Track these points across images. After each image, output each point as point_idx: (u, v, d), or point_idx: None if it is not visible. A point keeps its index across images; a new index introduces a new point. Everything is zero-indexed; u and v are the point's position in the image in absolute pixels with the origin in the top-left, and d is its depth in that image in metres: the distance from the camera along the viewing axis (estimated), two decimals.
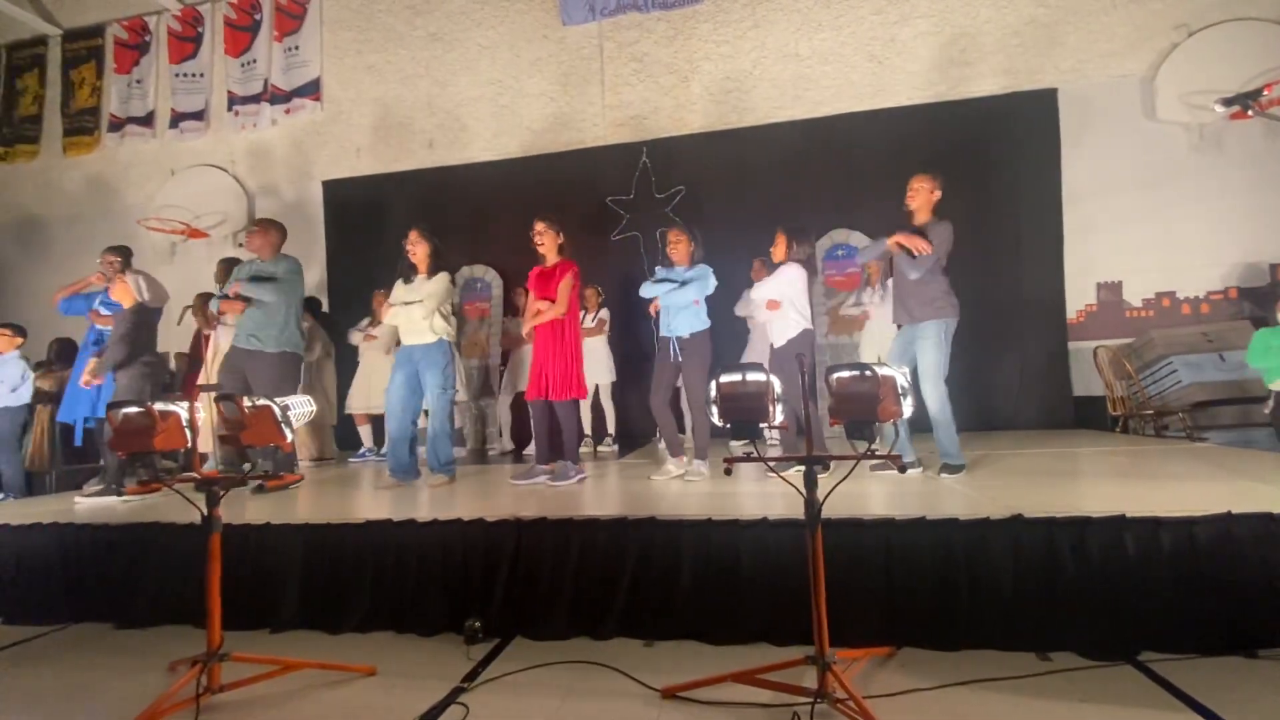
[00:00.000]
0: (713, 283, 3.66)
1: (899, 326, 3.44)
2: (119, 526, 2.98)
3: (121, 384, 3.81)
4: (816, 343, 4.59)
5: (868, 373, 1.78)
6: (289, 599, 2.67)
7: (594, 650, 2.30)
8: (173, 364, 6.59)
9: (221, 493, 2.07)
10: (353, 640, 2.52)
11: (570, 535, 2.53)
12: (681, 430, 4.83)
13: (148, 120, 7.46)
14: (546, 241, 3.68)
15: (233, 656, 2.01)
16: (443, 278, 3.75)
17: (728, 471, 1.92)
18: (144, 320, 3.98)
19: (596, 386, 5.55)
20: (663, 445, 4.32)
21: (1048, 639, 2.11)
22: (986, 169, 5.58)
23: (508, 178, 6.50)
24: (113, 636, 2.70)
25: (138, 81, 7.50)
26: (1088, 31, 5.61)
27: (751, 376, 1.85)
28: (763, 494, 2.99)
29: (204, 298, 5.23)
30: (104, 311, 4.13)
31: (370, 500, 3.43)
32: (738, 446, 4.48)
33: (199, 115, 7.33)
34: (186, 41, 7.42)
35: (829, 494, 1.84)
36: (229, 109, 7.24)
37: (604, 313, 5.54)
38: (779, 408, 1.85)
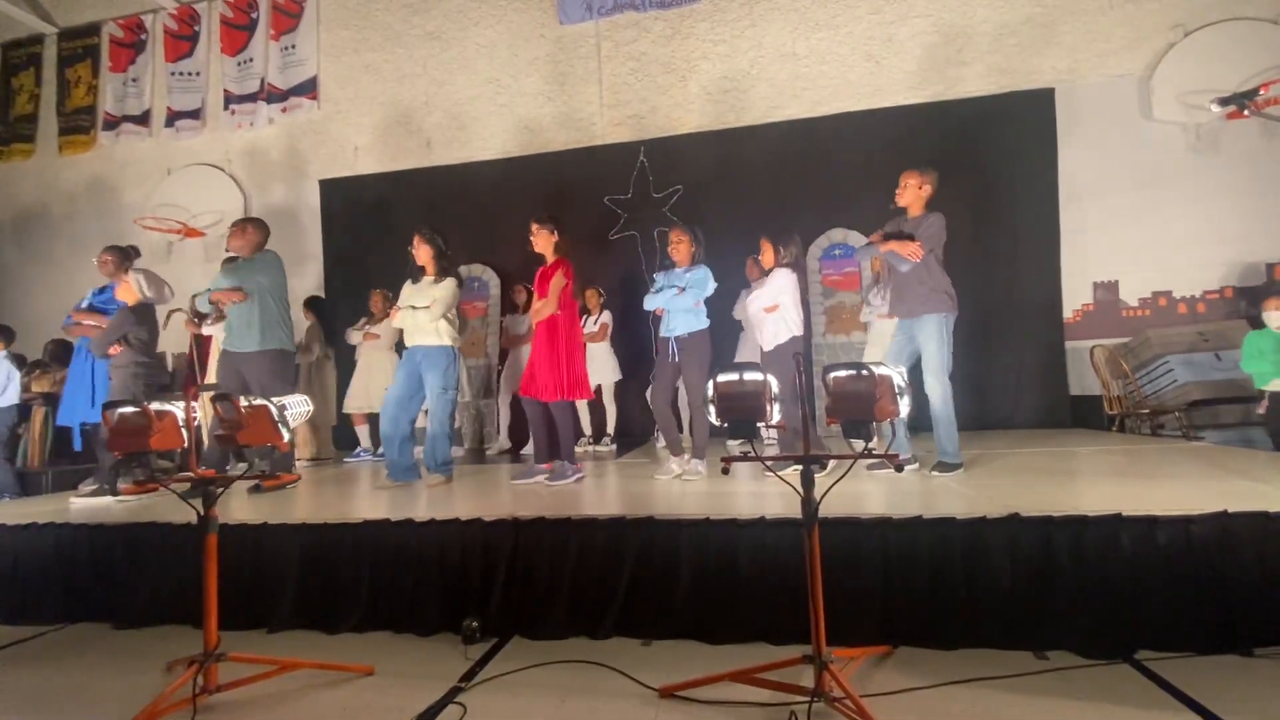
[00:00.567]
0: (711, 284, 3.67)
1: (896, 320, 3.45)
2: (116, 526, 2.97)
3: (116, 384, 3.80)
4: (813, 343, 4.61)
5: (864, 372, 1.78)
6: (286, 599, 2.67)
7: (592, 650, 2.30)
8: (170, 364, 6.58)
9: (218, 492, 2.07)
10: (350, 640, 2.51)
11: (568, 535, 2.53)
12: (681, 429, 4.85)
13: (144, 119, 7.44)
14: (540, 242, 3.69)
15: (230, 656, 2.00)
16: (450, 284, 3.75)
17: (725, 471, 1.92)
18: (144, 318, 3.97)
19: (600, 386, 5.55)
20: (662, 445, 4.33)
21: (1045, 638, 2.11)
22: (983, 168, 5.59)
23: (505, 177, 6.49)
24: (110, 636, 2.69)
25: (133, 80, 7.48)
26: (1084, 31, 5.62)
27: (749, 376, 1.85)
28: (760, 493, 2.99)
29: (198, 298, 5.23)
30: (98, 307, 4.09)
31: (368, 500, 3.42)
32: (735, 446, 4.49)
33: (195, 114, 7.31)
34: (182, 40, 7.40)
35: (826, 493, 1.84)
36: (225, 108, 7.22)
37: (606, 315, 5.54)
38: (776, 407, 1.85)
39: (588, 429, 5.63)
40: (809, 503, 1.79)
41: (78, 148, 7.63)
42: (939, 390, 3.19)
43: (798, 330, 3.58)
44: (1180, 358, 4.94)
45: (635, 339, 5.96)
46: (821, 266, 5.89)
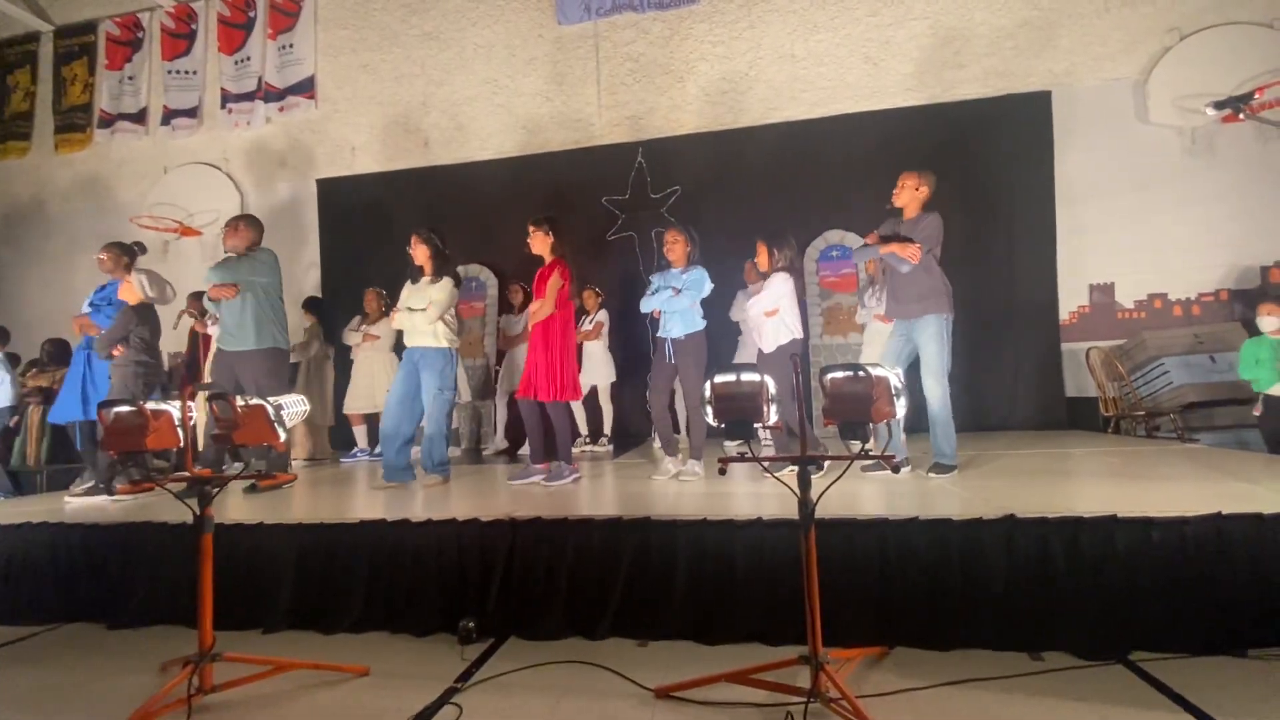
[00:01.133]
0: (708, 285, 3.67)
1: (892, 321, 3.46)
2: (110, 526, 2.96)
3: (116, 382, 3.78)
4: (810, 344, 4.62)
5: (861, 373, 1.79)
6: (282, 599, 2.66)
7: (588, 650, 2.30)
8: (167, 364, 6.56)
9: (214, 492, 2.06)
10: (346, 641, 2.51)
11: (565, 535, 2.53)
12: (678, 430, 4.85)
13: (140, 117, 7.42)
14: (537, 243, 3.69)
15: (225, 657, 2.00)
16: (447, 284, 3.73)
17: (722, 471, 1.92)
18: (146, 318, 3.95)
19: (595, 387, 5.55)
20: (658, 445, 4.32)
21: (1040, 638, 2.12)
22: (980, 170, 5.60)
23: (503, 177, 6.49)
24: (104, 637, 2.68)
25: (130, 78, 7.46)
26: (1081, 35, 5.64)
27: (746, 377, 1.85)
28: (757, 494, 2.99)
29: (195, 297, 5.22)
30: (97, 310, 4.08)
31: (364, 500, 3.42)
32: (732, 447, 4.49)
33: (192, 112, 7.29)
34: (179, 38, 7.38)
35: (823, 494, 1.84)
36: (222, 106, 7.20)
37: (602, 315, 5.54)
38: (773, 408, 1.85)
39: (584, 428, 5.63)
40: (805, 504, 1.80)
41: (73, 146, 7.60)
42: (938, 392, 3.20)
43: (798, 333, 3.60)
44: (1175, 360, 4.96)
45: (633, 340, 5.96)
46: (819, 268, 5.90)
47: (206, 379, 4.63)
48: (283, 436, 2.15)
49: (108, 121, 7.45)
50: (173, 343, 6.32)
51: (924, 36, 5.89)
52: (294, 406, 2.22)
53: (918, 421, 3.41)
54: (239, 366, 3.73)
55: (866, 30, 6.01)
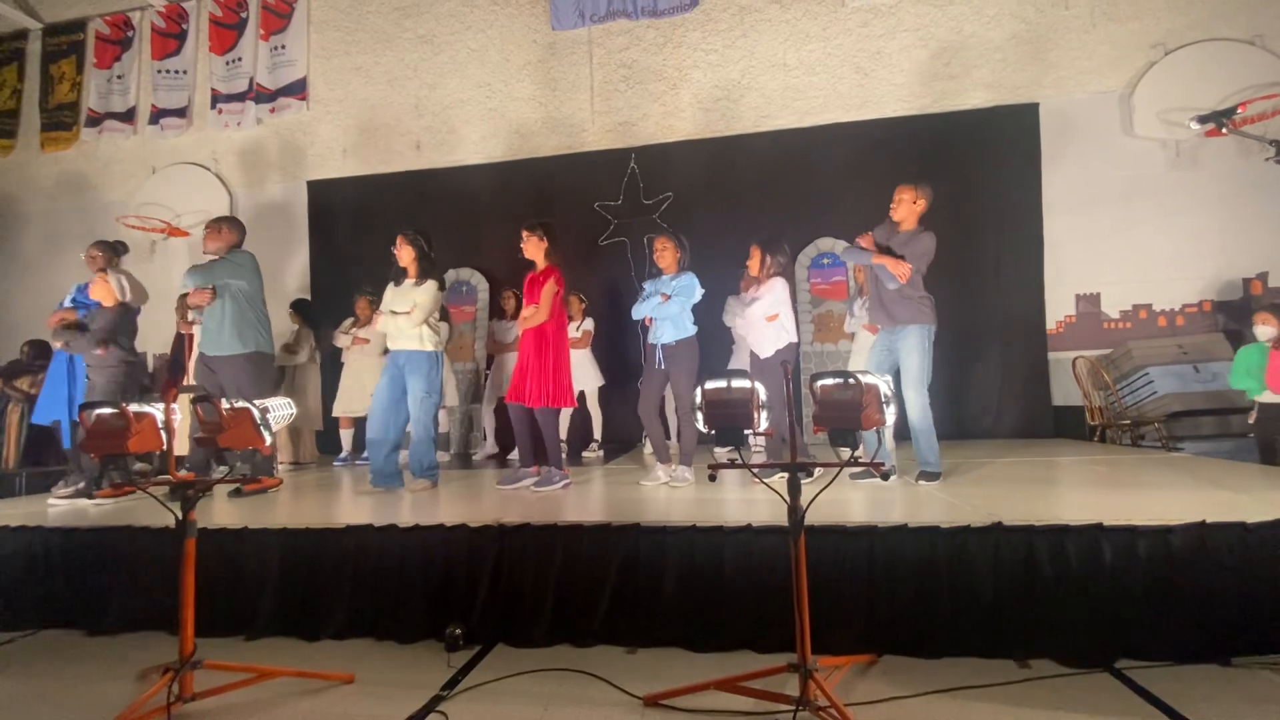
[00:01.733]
0: (698, 291, 3.68)
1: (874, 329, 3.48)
2: (90, 530, 2.91)
3: (102, 383, 3.72)
4: (801, 350, 4.63)
5: (851, 381, 1.79)
6: (265, 605, 2.62)
7: (576, 658, 2.28)
8: (150, 365, 6.48)
9: (198, 496, 2.03)
10: (330, 647, 2.48)
11: (554, 541, 2.51)
12: (669, 436, 4.84)
13: (128, 116, 7.34)
14: (530, 248, 3.68)
15: (205, 664, 1.96)
16: (431, 287, 3.71)
17: (712, 478, 1.91)
18: (125, 320, 3.90)
19: (583, 393, 5.53)
20: (649, 451, 4.31)
21: (1027, 646, 2.13)
22: (969, 180, 5.66)
23: (495, 181, 6.48)
24: (82, 643, 2.63)
25: (119, 77, 7.39)
26: (1068, 49, 5.72)
27: (737, 384, 1.85)
28: (747, 500, 2.99)
29: (184, 297, 5.16)
30: (79, 308, 4.03)
31: (351, 505, 3.38)
32: (723, 453, 4.49)
33: (181, 112, 7.23)
34: (170, 38, 7.32)
35: (812, 501, 1.84)
36: (212, 107, 7.15)
37: (588, 323, 5.52)
38: (764, 414, 1.85)
39: (564, 436, 5.59)
40: (795, 510, 1.79)
41: (59, 144, 7.51)
42: (918, 402, 3.21)
43: (794, 337, 3.63)
44: (1160, 369, 5.02)
45: (624, 345, 5.95)
46: (810, 275, 5.93)
47: (190, 380, 4.58)
48: (269, 440, 2.12)
49: (95, 120, 7.38)
50: (156, 343, 6.27)
51: (914, 48, 5.96)
52: (280, 410, 2.20)
53: (902, 430, 3.43)
54: (220, 370, 3.70)
55: (858, 41, 6.06)
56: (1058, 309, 5.70)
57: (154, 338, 5.96)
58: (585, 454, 5.44)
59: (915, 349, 3.22)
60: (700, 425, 1.88)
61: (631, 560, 2.42)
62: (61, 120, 7.52)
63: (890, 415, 1.80)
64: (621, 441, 5.86)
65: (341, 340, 5.54)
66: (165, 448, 2.05)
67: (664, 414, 4.72)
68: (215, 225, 3.86)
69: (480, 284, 6.47)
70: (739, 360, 5.13)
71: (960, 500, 2.77)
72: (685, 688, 1.92)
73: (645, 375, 3.76)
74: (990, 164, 5.71)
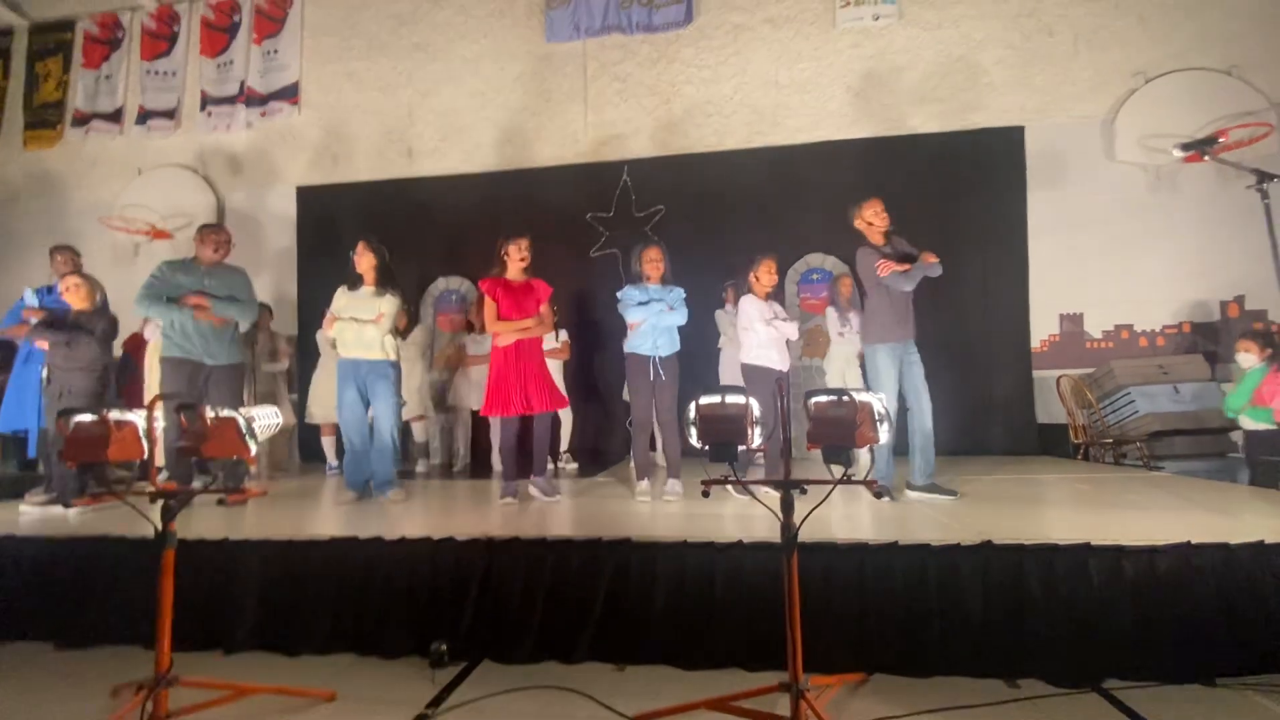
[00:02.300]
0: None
1: (864, 344, 3.54)
2: (65, 540, 2.83)
3: (80, 388, 3.63)
4: (791, 365, 4.65)
5: (845, 398, 1.80)
6: (244, 619, 2.56)
7: (564, 675, 2.25)
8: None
9: (178, 506, 1.98)
10: (311, 663, 2.42)
11: (543, 556, 2.49)
12: (654, 448, 4.82)
13: (115, 117, 7.25)
14: (527, 260, 3.67)
15: (181, 681, 1.91)
16: (396, 298, 3.76)
17: (705, 494, 1.91)
18: (109, 324, 3.83)
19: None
20: (633, 465, 4.28)
21: (1017, 666, 2.13)
22: (956, 201, 5.74)
23: (487, 190, 6.46)
24: (52, 657, 2.55)
25: (106, 77, 7.30)
26: (1053, 74, 5.85)
27: (731, 399, 1.85)
28: (738, 516, 2.98)
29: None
30: (51, 306, 3.92)
31: (333, 516, 3.32)
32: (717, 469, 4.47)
33: (169, 114, 7.15)
34: (160, 39, 7.25)
35: (805, 518, 1.84)
36: (202, 109, 7.08)
37: (564, 334, 5.50)
38: (758, 430, 1.85)
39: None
40: (788, 527, 1.79)
41: (43, 143, 7.39)
42: (929, 406, 3.29)
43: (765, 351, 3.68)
44: (1141, 389, 5.10)
45: (603, 357, 5.92)
46: (800, 290, 5.97)
47: (153, 388, 4.50)
48: (254, 449, 2.08)
49: (82, 120, 7.27)
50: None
51: (904, 70, 6.06)
52: (267, 419, 2.16)
53: (901, 442, 3.47)
54: (210, 379, 3.64)
55: (848, 61, 6.15)
56: (1042, 328, 5.78)
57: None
58: (561, 466, 5.38)
59: (919, 358, 3.36)
60: (694, 440, 1.87)
61: (622, 576, 2.40)
62: (46, 119, 7.41)
63: (885, 434, 1.80)
64: (591, 455, 5.81)
65: (326, 342, 5.45)
66: (146, 456, 2.00)
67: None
68: (220, 234, 3.84)
69: (470, 292, 6.44)
70: (727, 375, 5.15)
71: (950, 517, 2.79)
72: (675, 707, 1.90)
73: (636, 387, 3.71)
74: (977, 185, 5.80)
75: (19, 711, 2.09)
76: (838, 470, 1.79)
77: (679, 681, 2.16)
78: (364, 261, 3.75)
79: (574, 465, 5.37)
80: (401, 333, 4.73)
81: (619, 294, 3.74)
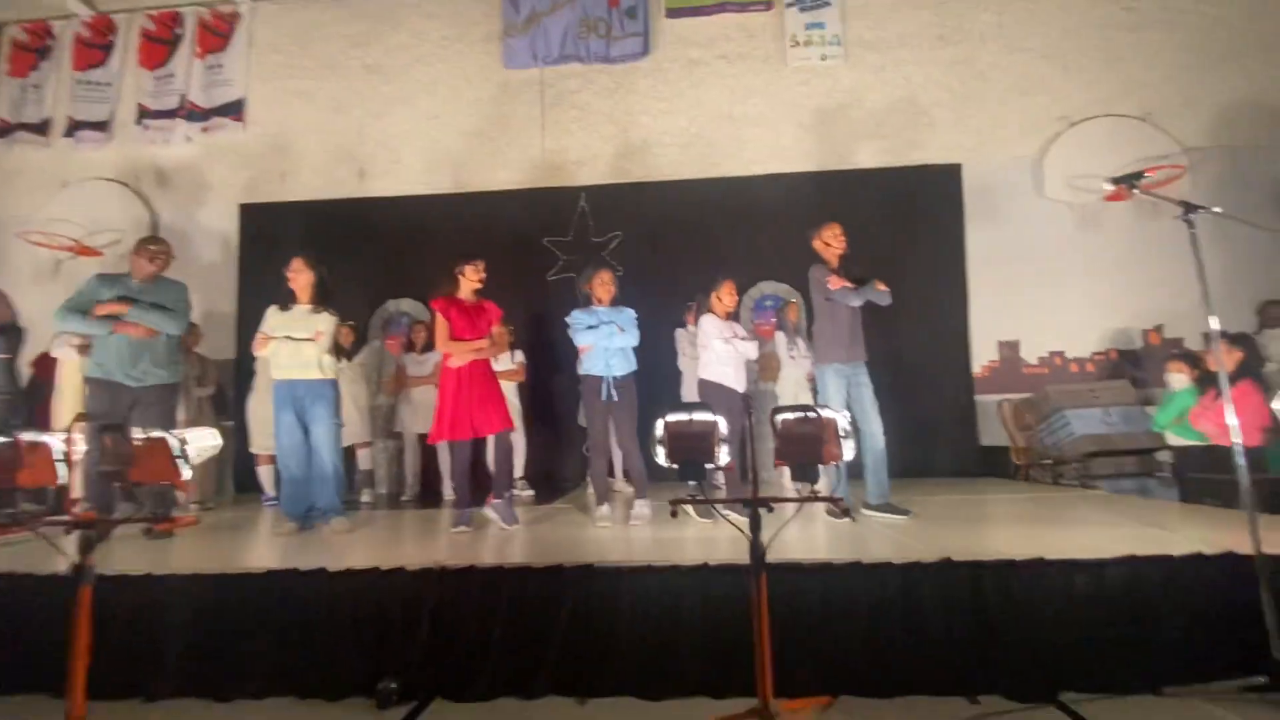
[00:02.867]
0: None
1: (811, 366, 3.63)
2: None
3: None
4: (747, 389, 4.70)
5: (811, 415, 1.81)
6: (170, 662, 2.35)
7: (522, 711, 2.14)
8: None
9: (99, 538, 1.81)
10: (246, 709, 2.24)
11: (500, 585, 2.38)
12: (612, 474, 4.75)
13: (41, 128, 6.84)
14: (479, 282, 3.61)
15: None
16: (334, 318, 3.62)
17: (674, 514, 1.87)
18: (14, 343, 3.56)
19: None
20: (591, 491, 4.20)
21: (977, 682, 2.14)
22: (901, 233, 5.97)
23: (440, 213, 6.37)
24: None
25: (34, 86, 6.90)
26: (986, 116, 6.23)
27: (698, 416, 1.83)
28: (701, 539, 2.94)
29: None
30: None
31: (270, 548, 3.12)
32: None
33: (102, 126, 6.79)
34: (95, 49, 6.93)
35: (774, 536, 1.82)
36: (138, 122, 6.76)
37: (519, 355, 5.42)
38: (724, 449, 1.83)
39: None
40: (757, 546, 1.77)
41: None
42: (880, 431, 3.33)
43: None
44: (1075, 412, 5.35)
45: (553, 381, 5.85)
46: (754, 316, 6.07)
47: (68, 408, 4.19)
48: (186, 475, 1.93)
49: (5, 130, 6.83)
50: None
51: (851, 109, 6.34)
52: (202, 441, 2.01)
53: (853, 464, 3.52)
54: (140, 401, 3.39)
55: (798, 98, 6.40)
56: (982, 354, 6.05)
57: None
58: (517, 494, 5.23)
59: (869, 380, 3.41)
60: (661, 459, 1.84)
61: (583, 604, 2.32)
62: None
63: (849, 450, 1.81)
64: (547, 482, 5.69)
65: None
66: (63, 482, 1.83)
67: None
68: (156, 247, 3.64)
69: (422, 314, 6.27)
70: (689, 395, 5.15)
71: (907, 536, 2.82)
72: None
73: (591, 410, 3.65)
74: (920, 219, 6.08)
75: None
76: (805, 488, 1.79)
77: (644, 713, 2.09)
78: (301, 279, 3.60)
79: (530, 493, 5.23)
80: (346, 352, 4.56)
81: (568, 318, 3.71)
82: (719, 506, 2.79)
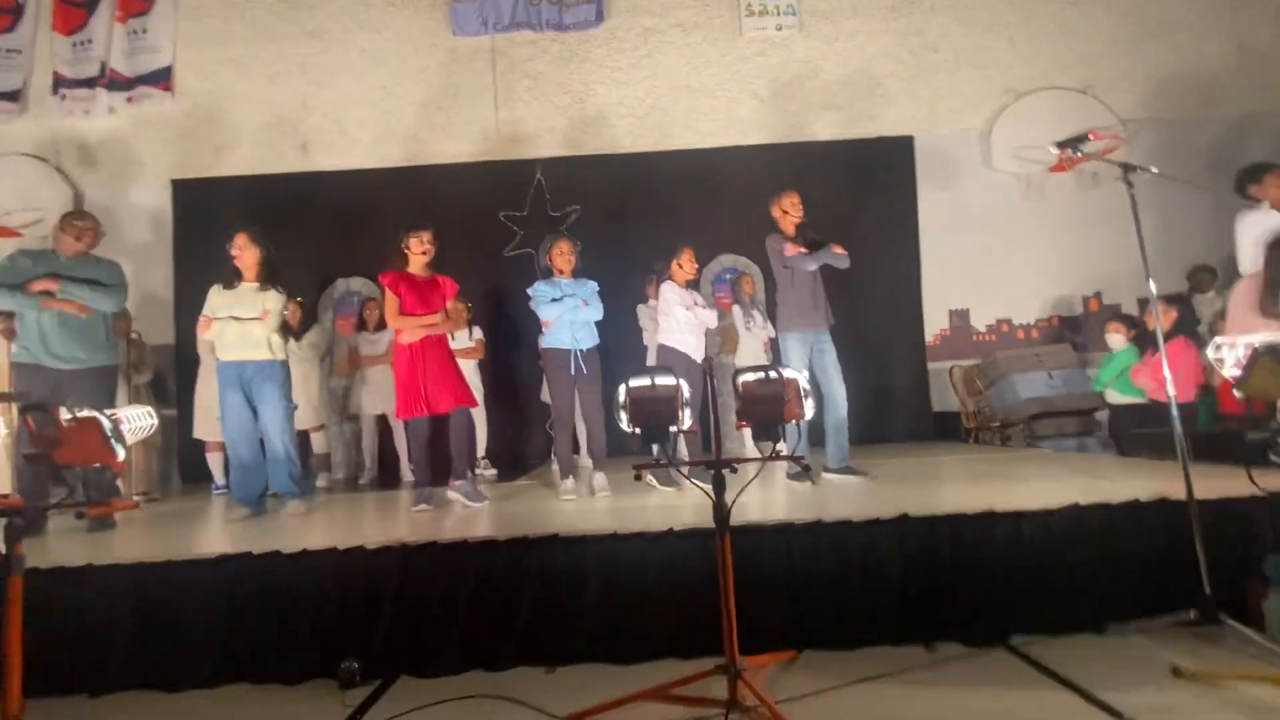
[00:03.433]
0: None
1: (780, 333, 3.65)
2: None
3: None
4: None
5: (773, 375, 1.81)
6: (114, 655, 2.25)
7: (490, 683, 2.12)
8: None
9: (24, 525, 1.69)
10: (197, 700, 2.16)
11: (464, 560, 2.35)
12: (577, 449, 4.72)
13: None
14: (429, 255, 3.50)
15: None
16: (281, 295, 3.46)
17: (638, 477, 1.86)
18: None
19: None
20: (556, 466, 4.18)
21: (933, 630, 2.23)
22: (854, 203, 6.02)
23: (389, 187, 6.14)
24: None
25: None
26: (936, 88, 6.32)
27: (660, 380, 1.82)
28: (664, 507, 2.96)
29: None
30: None
31: (221, 534, 3.01)
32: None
33: (13, 96, 6.28)
34: (4, 13, 6.38)
35: (737, 497, 1.83)
36: (54, 92, 6.27)
37: (478, 332, 5.31)
38: (687, 412, 1.83)
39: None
40: (720, 507, 1.77)
41: None
42: (844, 392, 3.41)
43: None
44: (1021, 376, 5.57)
45: (513, 358, 5.78)
46: (714, 289, 6.08)
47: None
48: (121, 455, 1.81)
49: None
50: None
51: (806, 80, 6.35)
52: (137, 420, 1.89)
53: (814, 431, 3.59)
54: (71, 385, 3.18)
55: (754, 69, 6.37)
56: (934, 323, 6.22)
57: None
58: (479, 473, 5.17)
59: (833, 346, 3.49)
60: (624, 424, 1.82)
61: (549, 575, 2.31)
62: None
63: (809, 409, 1.83)
64: (509, 460, 5.63)
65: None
66: None
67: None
68: (83, 223, 3.40)
69: (373, 293, 6.08)
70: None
71: (866, 496, 2.90)
72: (609, 702, 1.83)
73: (556, 383, 3.60)
74: (874, 189, 6.16)
75: None
76: (767, 447, 1.80)
77: (614, 678, 2.09)
78: (246, 255, 3.42)
79: (492, 471, 5.17)
80: (294, 332, 4.38)
81: (530, 290, 3.63)
82: (682, 469, 2.79)
